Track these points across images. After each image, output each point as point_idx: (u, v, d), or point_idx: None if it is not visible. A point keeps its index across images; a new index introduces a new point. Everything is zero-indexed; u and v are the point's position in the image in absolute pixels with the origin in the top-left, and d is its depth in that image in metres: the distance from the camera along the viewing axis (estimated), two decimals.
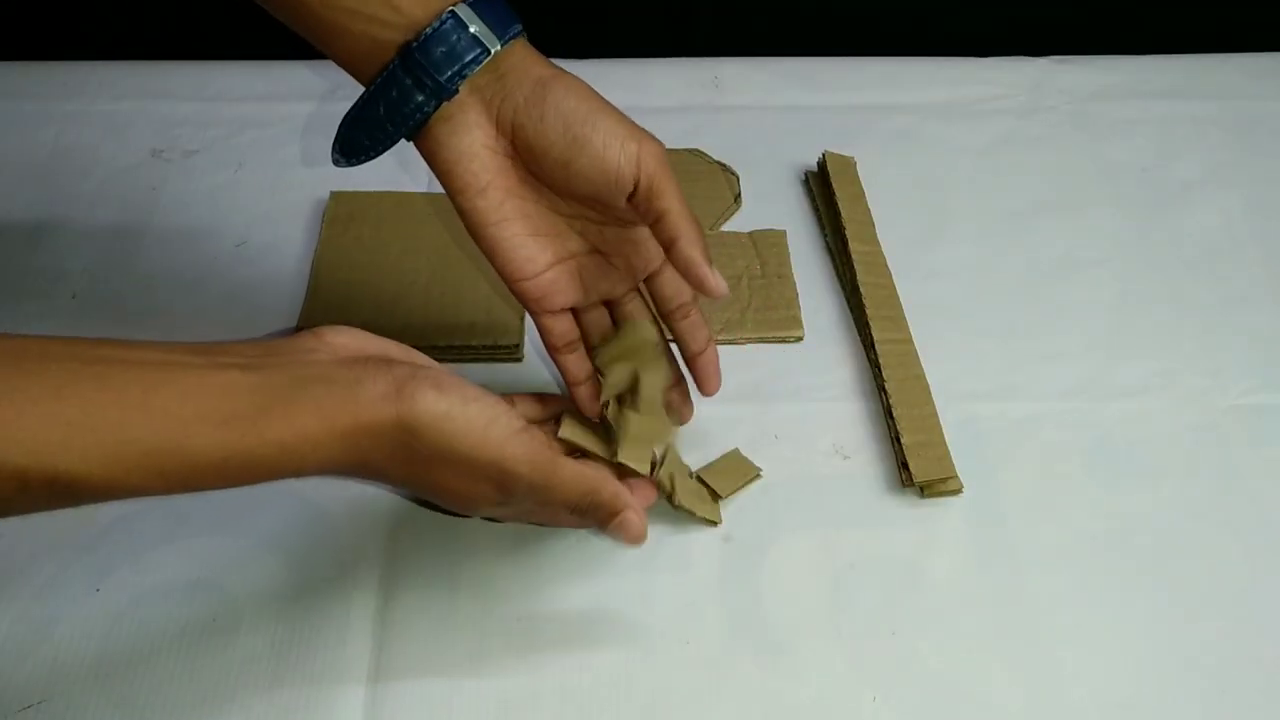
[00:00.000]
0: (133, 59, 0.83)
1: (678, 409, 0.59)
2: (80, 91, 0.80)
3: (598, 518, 0.52)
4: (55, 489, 0.38)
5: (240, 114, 0.79)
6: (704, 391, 0.58)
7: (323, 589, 0.55)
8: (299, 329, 0.65)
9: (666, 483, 0.57)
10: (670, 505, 0.57)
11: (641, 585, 0.56)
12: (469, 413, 0.46)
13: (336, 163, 0.54)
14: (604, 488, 0.51)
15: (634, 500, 0.52)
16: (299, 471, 0.44)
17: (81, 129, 0.78)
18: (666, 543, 0.58)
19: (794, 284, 0.70)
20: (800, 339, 0.67)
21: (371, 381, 0.45)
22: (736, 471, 0.60)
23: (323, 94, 0.81)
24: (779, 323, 0.68)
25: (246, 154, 0.77)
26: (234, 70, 0.83)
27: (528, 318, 0.67)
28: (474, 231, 0.53)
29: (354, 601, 0.55)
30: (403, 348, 0.50)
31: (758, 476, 0.61)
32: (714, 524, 0.58)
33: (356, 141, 0.54)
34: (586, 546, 0.58)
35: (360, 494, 0.59)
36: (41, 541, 0.56)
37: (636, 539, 0.52)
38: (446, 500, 0.49)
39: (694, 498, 0.58)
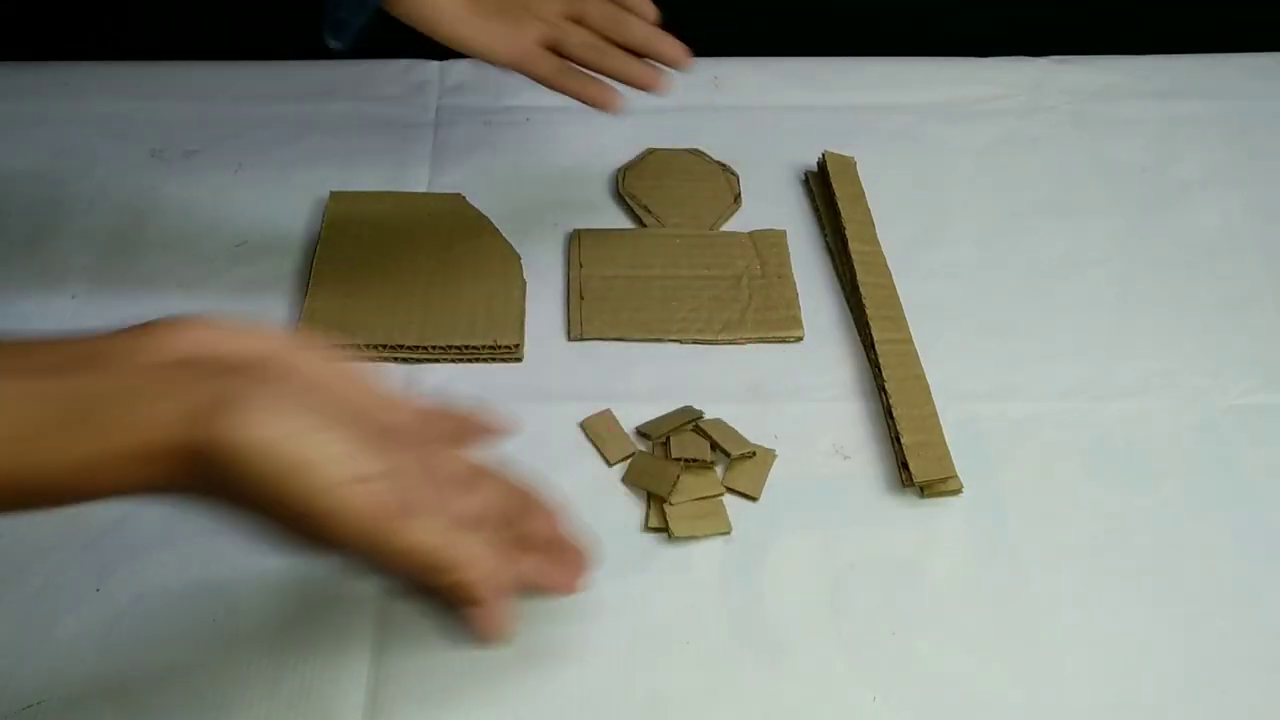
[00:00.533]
0: (133, 59, 0.83)
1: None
2: (80, 91, 0.80)
3: (442, 598, 0.42)
4: None
5: (240, 114, 0.79)
6: (675, 59, 0.65)
7: (323, 588, 0.55)
8: (299, 328, 0.65)
9: (658, 523, 0.58)
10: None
11: (641, 585, 0.56)
12: (288, 448, 0.38)
13: (331, 44, 0.60)
14: (454, 568, 0.41)
15: (495, 595, 0.42)
16: (104, 495, 0.39)
17: (81, 129, 0.78)
18: (666, 543, 0.58)
19: (794, 284, 0.70)
20: (800, 339, 0.67)
21: (175, 396, 0.38)
22: (756, 464, 0.60)
23: (322, 94, 0.81)
24: (779, 323, 0.68)
25: (246, 154, 0.77)
26: (234, 70, 0.83)
27: (527, 320, 0.67)
28: (466, 51, 0.63)
29: (354, 600, 0.55)
30: (291, 348, 0.42)
31: (775, 456, 0.61)
32: (726, 533, 0.58)
33: (340, 19, 0.60)
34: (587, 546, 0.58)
35: None
36: (41, 541, 0.56)
37: (486, 638, 0.43)
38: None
39: (692, 523, 0.58)
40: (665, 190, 0.75)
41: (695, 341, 0.67)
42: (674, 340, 0.67)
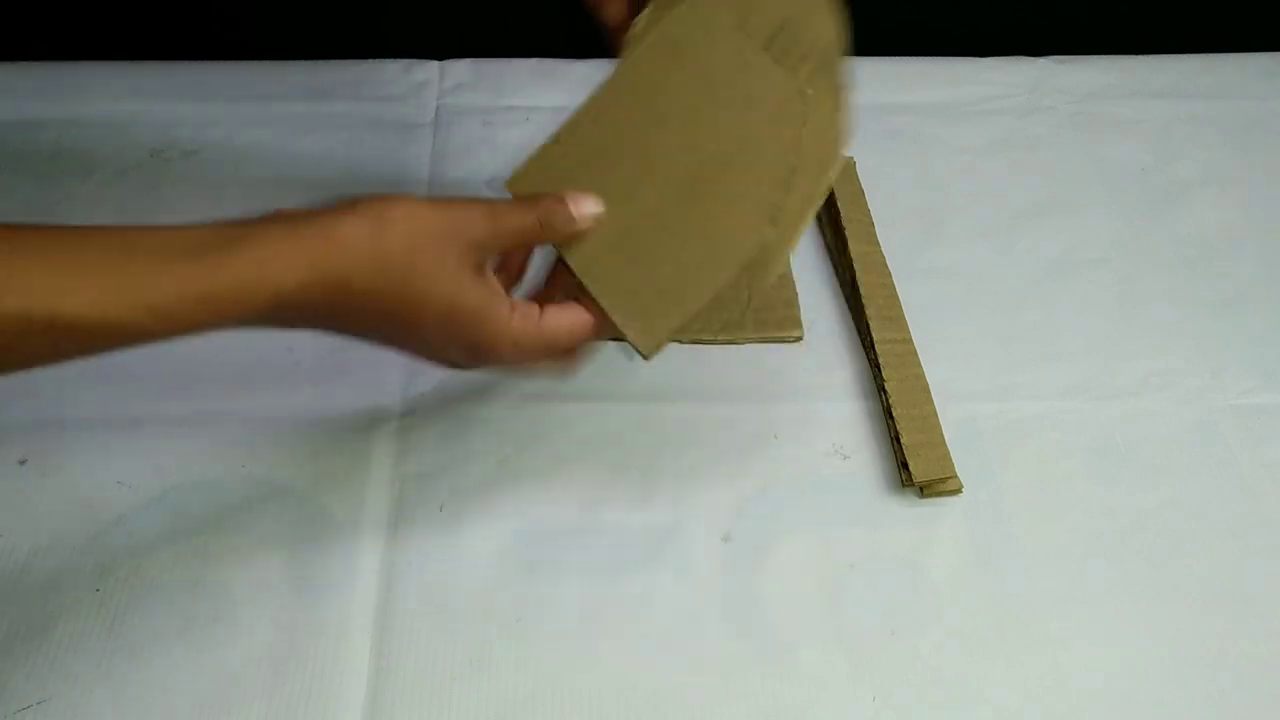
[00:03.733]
0: (133, 59, 0.83)
1: None
2: (80, 91, 0.80)
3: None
4: (54, 331, 0.40)
5: (240, 114, 0.79)
6: None
7: (323, 588, 0.55)
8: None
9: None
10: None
11: (642, 585, 0.56)
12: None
13: None
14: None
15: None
16: (276, 297, 0.44)
17: (81, 129, 0.78)
18: (667, 543, 0.58)
19: (794, 284, 0.70)
20: (800, 339, 0.67)
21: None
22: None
23: (322, 94, 0.81)
24: (779, 323, 0.68)
25: (246, 154, 0.77)
26: (234, 70, 0.83)
27: None
28: None
29: (354, 601, 0.55)
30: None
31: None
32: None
33: None
34: (588, 547, 0.58)
35: (361, 493, 0.59)
36: (41, 541, 0.56)
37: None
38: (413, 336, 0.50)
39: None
40: None
41: (695, 341, 0.67)
42: (674, 340, 0.67)
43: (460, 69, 0.83)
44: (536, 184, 0.53)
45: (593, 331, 0.53)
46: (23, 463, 0.59)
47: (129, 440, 0.60)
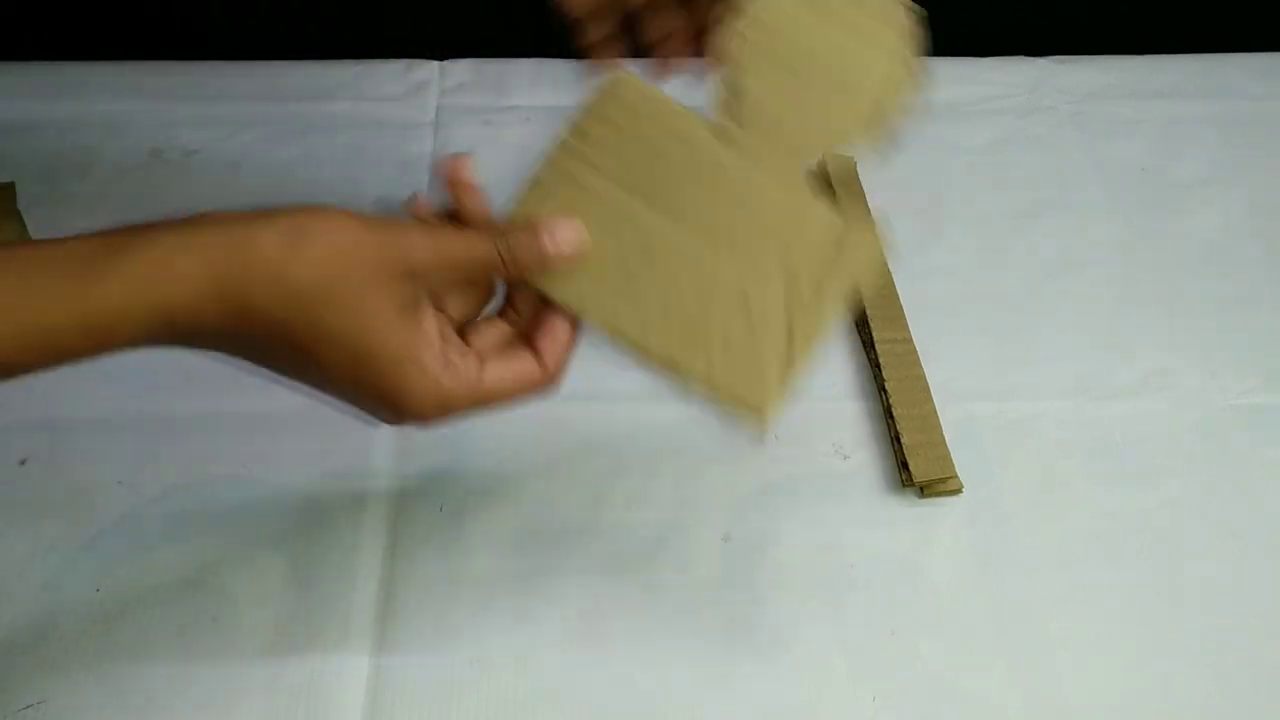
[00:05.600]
0: (133, 59, 0.83)
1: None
2: (80, 91, 0.80)
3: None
4: None
5: (240, 114, 0.79)
6: None
7: (323, 589, 0.55)
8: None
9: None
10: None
11: (641, 585, 0.56)
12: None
13: None
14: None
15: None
16: (167, 314, 0.39)
17: (81, 129, 0.78)
18: (667, 543, 0.58)
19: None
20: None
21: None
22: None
23: (322, 94, 0.81)
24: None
25: (246, 154, 0.77)
26: (234, 70, 0.83)
27: None
28: None
29: (354, 601, 0.55)
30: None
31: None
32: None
33: None
34: (587, 546, 0.58)
35: (361, 492, 0.59)
36: (41, 541, 0.56)
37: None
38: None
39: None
40: None
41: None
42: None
43: (460, 69, 0.83)
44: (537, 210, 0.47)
45: (545, 380, 0.45)
46: (23, 463, 0.59)
47: (129, 440, 0.60)
